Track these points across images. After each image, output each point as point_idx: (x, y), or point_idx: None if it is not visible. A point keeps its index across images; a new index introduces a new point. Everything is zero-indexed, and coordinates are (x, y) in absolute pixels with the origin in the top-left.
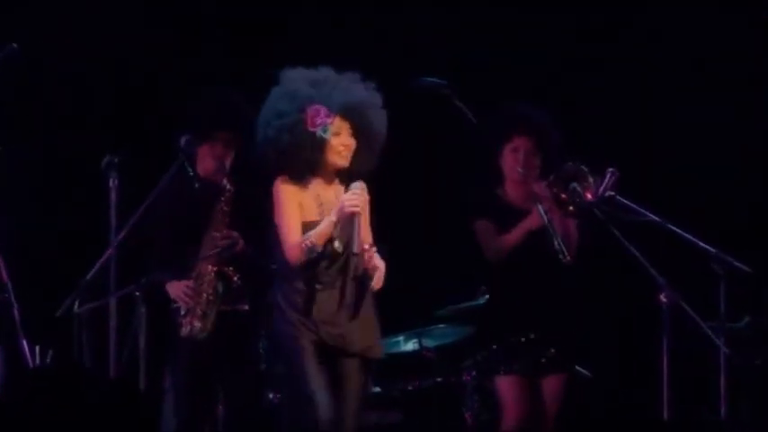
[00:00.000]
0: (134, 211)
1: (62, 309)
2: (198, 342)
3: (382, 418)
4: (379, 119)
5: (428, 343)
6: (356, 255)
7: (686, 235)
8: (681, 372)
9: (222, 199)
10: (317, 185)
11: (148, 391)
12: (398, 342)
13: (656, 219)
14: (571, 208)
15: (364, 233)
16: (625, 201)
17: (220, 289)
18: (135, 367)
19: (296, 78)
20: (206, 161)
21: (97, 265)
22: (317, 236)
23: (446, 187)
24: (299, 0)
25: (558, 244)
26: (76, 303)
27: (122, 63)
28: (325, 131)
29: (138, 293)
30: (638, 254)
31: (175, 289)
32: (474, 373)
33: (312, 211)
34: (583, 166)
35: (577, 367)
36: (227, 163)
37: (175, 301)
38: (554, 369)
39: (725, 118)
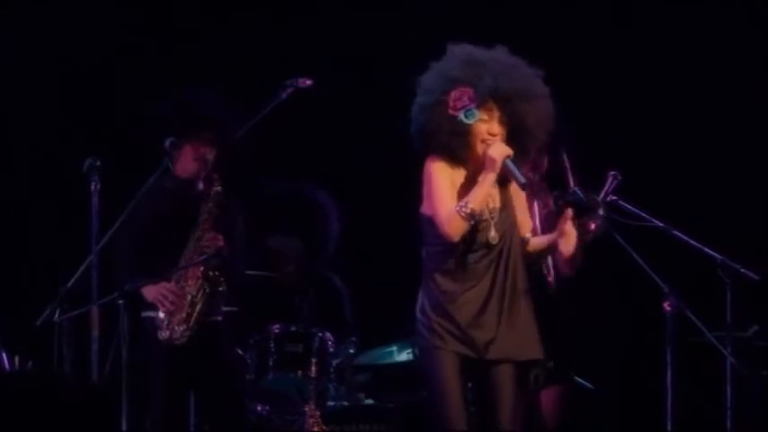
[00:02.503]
0: (116, 217)
1: (42, 318)
2: (178, 353)
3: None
4: (535, 112)
5: None
6: (523, 184)
7: (692, 241)
8: (685, 382)
9: (210, 200)
10: (470, 173)
11: (131, 403)
12: (392, 352)
13: (660, 224)
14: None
15: (522, 218)
16: (628, 205)
17: (207, 290)
18: (118, 378)
19: (456, 56)
20: (188, 162)
21: (78, 273)
22: (474, 199)
23: None
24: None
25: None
26: (57, 312)
27: (106, 65)
28: (467, 116)
29: (120, 302)
30: (641, 260)
31: (153, 292)
32: (470, 384)
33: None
34: (596, 196)
35: (578, 378)
36: (207, 166)
37: (150, 309)
38: (552, 380)
39: (730, 118)
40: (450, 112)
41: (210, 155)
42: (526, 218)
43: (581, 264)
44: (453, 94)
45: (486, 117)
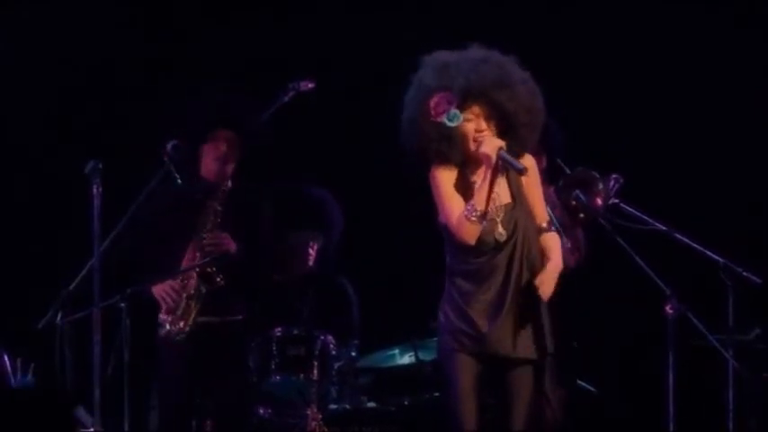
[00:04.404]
0: (119, 220)
1: (44, 320)
2: (188, 355)
3: None
4: (513, 98)
5: (424, 356)
6: (521, 170)
7: (694, 244)
8: (687, 385)
9: (215, 197)
10: (471, 174)
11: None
12: (394, 355)
13: (662, 227)
14: (582, 215)
15: (537, 209)
16: (630, 208)
17: (203, 289)
18: (119, 381)
19: (428, 64)
20: (208, 161)
21: (80, 275)
22: (479, 200)
23: None
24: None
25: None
26: (59, 315)
27: (106, 65)
28: (450, 119)
29: (122, 305)
30: (643, 263)
31: (159, 289)
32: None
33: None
34: (594, 172)
35: (580, 381)
36: (231, 166)
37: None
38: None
39: (731, 121)
40: (434, 119)
41: (232, 156)
42: (541, 208)
43: (585, 256)
44: (432, 101)
45: (470, 117)
